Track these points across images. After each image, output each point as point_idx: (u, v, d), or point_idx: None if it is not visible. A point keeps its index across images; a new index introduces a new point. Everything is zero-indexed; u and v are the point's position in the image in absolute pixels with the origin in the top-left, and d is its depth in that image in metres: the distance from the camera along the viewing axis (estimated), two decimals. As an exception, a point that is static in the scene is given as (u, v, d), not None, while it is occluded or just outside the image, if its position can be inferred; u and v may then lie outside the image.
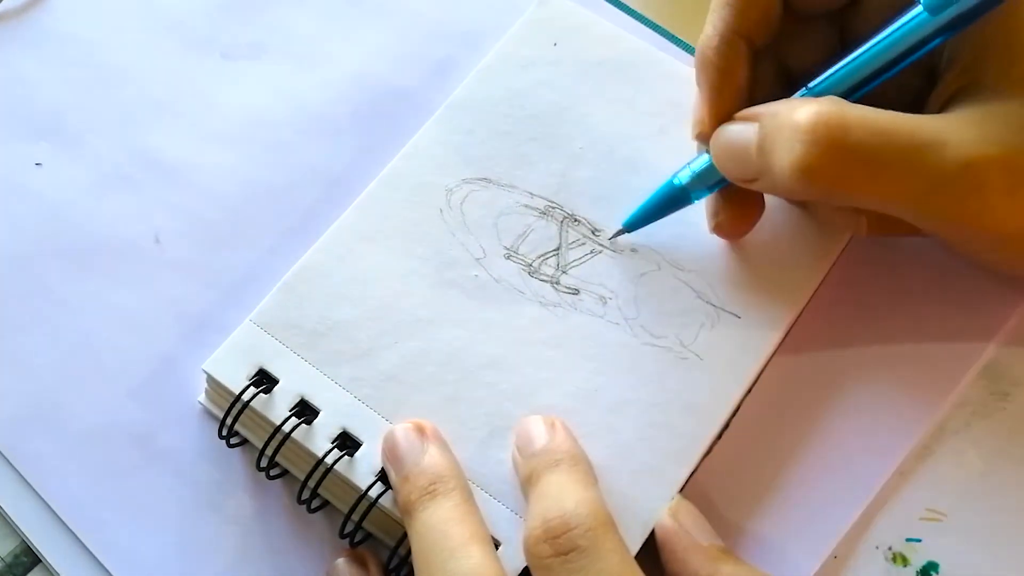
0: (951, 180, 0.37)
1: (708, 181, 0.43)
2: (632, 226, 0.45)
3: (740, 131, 0.41)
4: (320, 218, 0.48)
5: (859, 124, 0.37)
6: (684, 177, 0.44)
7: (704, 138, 0.43)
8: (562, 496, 0.38)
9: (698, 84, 0.44)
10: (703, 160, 0.43)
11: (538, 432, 0.41)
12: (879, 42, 0.40)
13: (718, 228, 0.45)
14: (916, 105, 0.42)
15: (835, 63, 0.41)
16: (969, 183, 0.37)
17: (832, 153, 0.38)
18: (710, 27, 0.42)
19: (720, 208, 0.44)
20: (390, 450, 0.41)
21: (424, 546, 0.38)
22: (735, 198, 0.44)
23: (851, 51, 0.41)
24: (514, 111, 0.49)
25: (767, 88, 0.44)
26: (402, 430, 0.41)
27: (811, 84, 0.41)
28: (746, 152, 0.41)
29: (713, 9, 0.43)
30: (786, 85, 0.43)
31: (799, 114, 0.38)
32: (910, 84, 0.42)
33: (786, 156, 0.38)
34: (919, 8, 0.39)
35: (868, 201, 0.39)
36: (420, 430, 0.41)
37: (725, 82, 0.43)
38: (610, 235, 0.46)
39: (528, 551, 0.37)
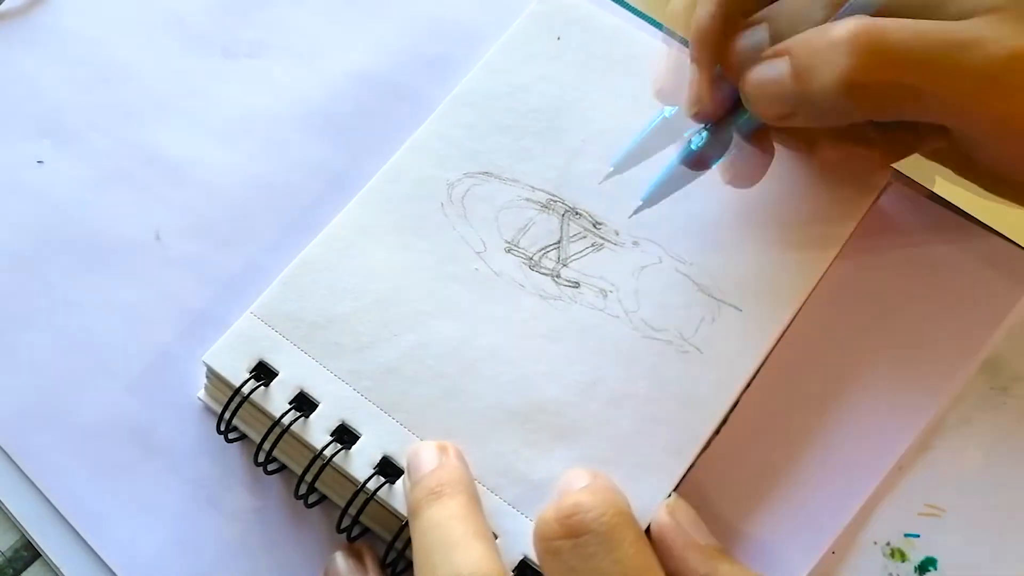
0: (996, 75, 0.37)
1: (716, 151, 0.43)
2: (652, 200, 0.45)
3: (771, 66, 0.41)
4: (320, 215, 0.48)
5: (898, 29, 0.38)
6: (697, 140, 0.44)
7: (704, 116, 0.43)
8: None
9: (695, 61, 0.43)
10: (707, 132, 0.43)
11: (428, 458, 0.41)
12: None
13: (734, 179, 0.45)
14: None
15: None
16: (1015, 78, 0.37)
17: (877, 60, 0.38)
18: (707, 4, 0.42)
19: (735, 160, 0.44)
20: (411, 460, 0.41)
21: (427, 541, 0.38)
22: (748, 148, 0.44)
23: None
24: (516, 105, 0.49)
25: None
26: (426, 445, 0.41)
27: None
28: (781, 85, 0.40)
29: None
30: None
31: (835, 31, 0.38)
32: None
33: (830, 73, 0.38)
34: None
35: (913, 108, 0.39)
36: (443, 448, 0.41)
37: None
38: (615, 226, 0.46)
39: (537, 533, 0.37)
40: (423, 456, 0.40)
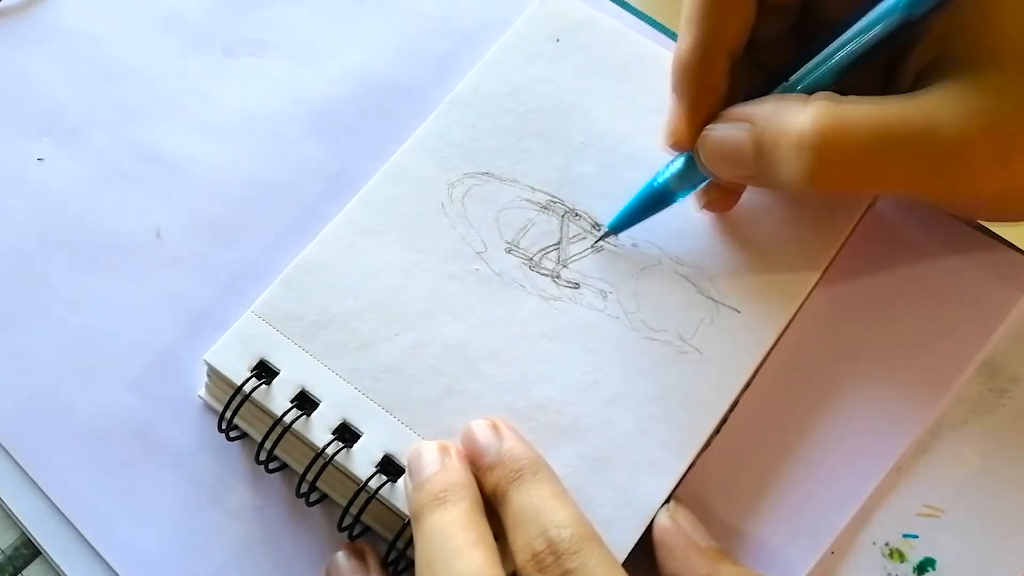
0: (946, 162, 0.38)
1: (691, 180, 0.44)
2: (617, 228, 0.46)
3: (730, 132, 0.41)
4: (320, 214, 0.48)
5: (860, 125, 0.38)
6: (665, 178, 0.44)
7: (679, 147, 0.44)
8: (540, 519, 0.37)
9: (675, 93, 0.44)
10: (682, 161, 0.44)
11: (485, 441, 0.41)
12: (857, 34, 0.40)
13: (709, 205, 0.45)
14: (885, 76, 0.43)
15: (812, 54, 0.41)
16: (962, 162, 0.38)
17: (840, 160, 0.39)
18: (688, 36, 0.42)
19: (711, 186, 0.45)
20: (412, 461, 0.41)
21: (429, 546, 0.38)
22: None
23: (828, 42, 0.41)
24: (516, 106, 0.49)
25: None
26: (427, 445, 0.41)
27: (795, 79, 0.42)
28: (739, 154, 0.41)
29: (689, 19, 0.42)
30: (753, 65, 0.44)
31: (799, 121, 0.39)
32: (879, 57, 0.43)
33: (794, 165, 0.39)
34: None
35: (872, 193, 0.41)
36: (444, 449, 0.41)
37: (704, 92, 0.43)
38: (599, 236, 0.46)
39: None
40: (425, 457, 0.41)
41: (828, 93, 0.40)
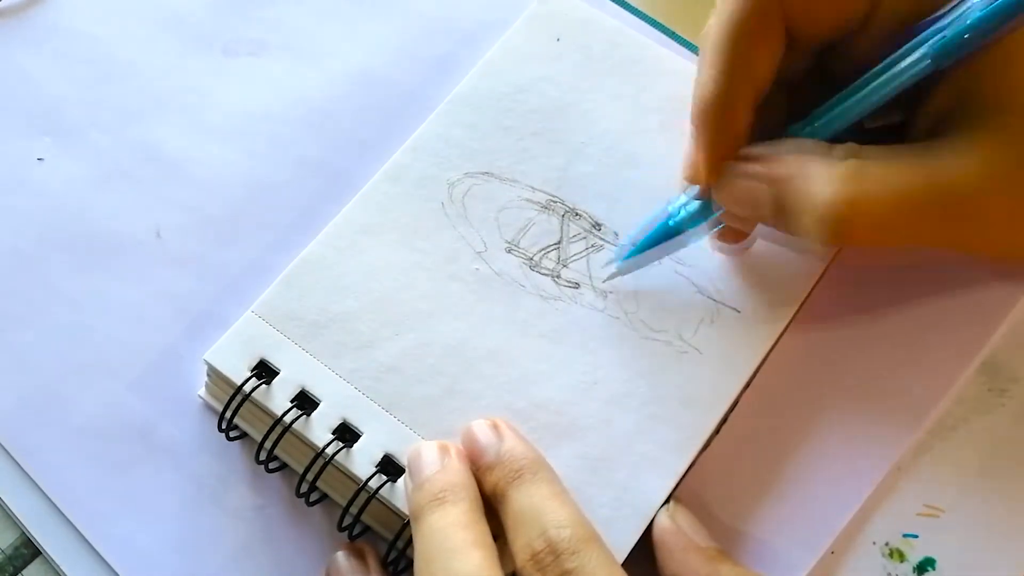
0: (962, 219, 0.38)
1: (704, 218, 0.43)
2: (626, 268, 0.45)
3: (749, 184, 0.41)
4: (320, 214, 0.48)
5: (881, 189, 0.38)
6: (679, 219, 0.44)
7: (697, 181, 0.43)
8: (540, 519, 0.37)
9: (695, 128, 0.42)
10: (696, 205, 0.43)
11: (485, 440, 0.41)
12: (879, 84, 0.40)
13: (722, 251, 0.46)
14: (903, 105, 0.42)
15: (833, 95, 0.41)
16: (978, 219, 0.38)
17: (860, 226, 0.38)
18: (713, 70, 0.41)
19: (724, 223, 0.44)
20: (412, 461, 0.41)
21: (428, 546, 0.38)
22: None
23: (849, 89, 0.41)
24: (516, 106, 0.49)
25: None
26: (427, 445, 0.41)
27: (815, 116, 0.42)
28: (755, 202, 0.41)
29: (717, 51, 0.41)
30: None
31: (820, 188, 0.38)
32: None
33: (813, 224, 0.39)
34: (922, 55, 0.39)
35: (886, 246, 0.42)
36: (444, 449, 0.41)
37: (726, 132, 0.42)
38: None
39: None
40: (425, 457, 0.41)
41: (850, 147, 0.39)
